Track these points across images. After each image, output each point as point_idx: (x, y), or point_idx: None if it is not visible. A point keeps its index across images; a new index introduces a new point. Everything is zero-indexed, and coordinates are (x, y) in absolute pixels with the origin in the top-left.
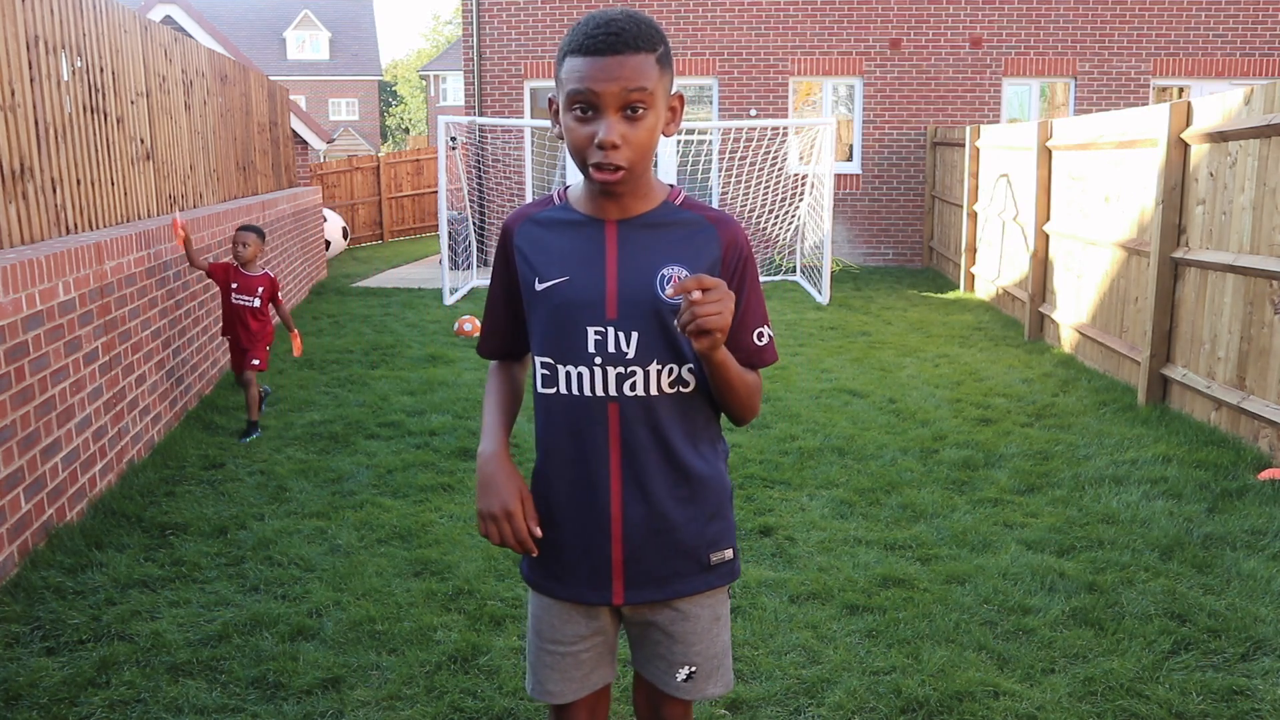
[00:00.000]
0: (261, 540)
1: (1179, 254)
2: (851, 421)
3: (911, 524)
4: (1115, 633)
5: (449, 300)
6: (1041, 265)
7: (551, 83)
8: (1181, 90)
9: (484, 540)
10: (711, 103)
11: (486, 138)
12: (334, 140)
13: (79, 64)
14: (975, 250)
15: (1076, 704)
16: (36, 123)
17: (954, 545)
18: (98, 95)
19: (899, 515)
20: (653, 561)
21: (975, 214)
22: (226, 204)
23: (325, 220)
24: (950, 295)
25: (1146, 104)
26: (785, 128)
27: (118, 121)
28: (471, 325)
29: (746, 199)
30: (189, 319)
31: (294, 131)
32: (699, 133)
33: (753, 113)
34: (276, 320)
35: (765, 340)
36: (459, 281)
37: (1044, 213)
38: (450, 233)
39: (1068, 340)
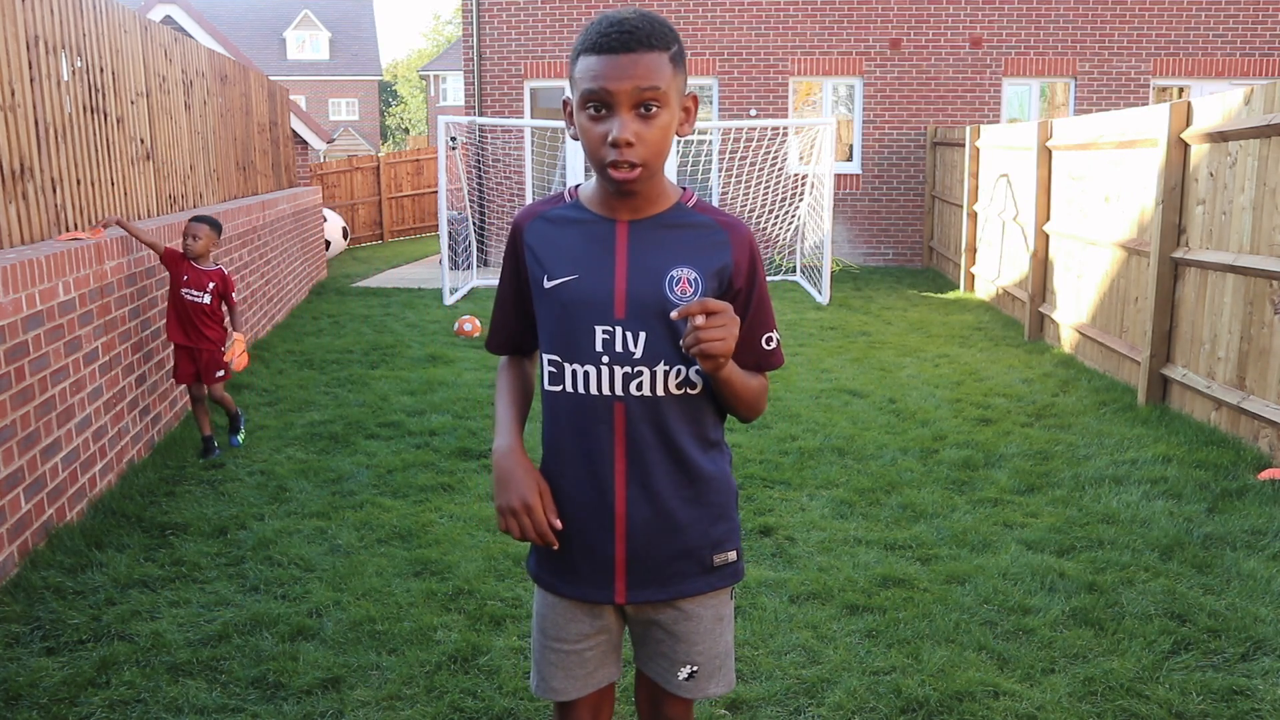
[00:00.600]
0: (261, 540)
1: (1179, 254)
2: (851, 421)
3: (911, 524)
4: (1115, 633)
5: (449, 300)
6: (1041, 265)
7: (551, 82)
8: (1181, 90)
9: (484, 540)
10: (711, 103)
11: (486, 138)
12: (334, 140)
13: (79, 64)
14: (975, 250)
15: (1076, 704)
16: (36, 123)
17: (954, 545)
18: (98, 95)
19: (899, 515)
20: (655, 561)
21: (975, 214)
22: (226, 204)
23: (325, 220)
24: (950, 295)
25: (1146, 104)
26: (785, 128)
27: (118, 121)
28: (471, 325)
29: (746, 199)
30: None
31: (294, 131)
32: (699, 133)
33: (753, 113)
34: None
35: (774, 345)
36: (459, 281)
37: (1044, 213)
38: (450, 233)
39: (1068, 340)
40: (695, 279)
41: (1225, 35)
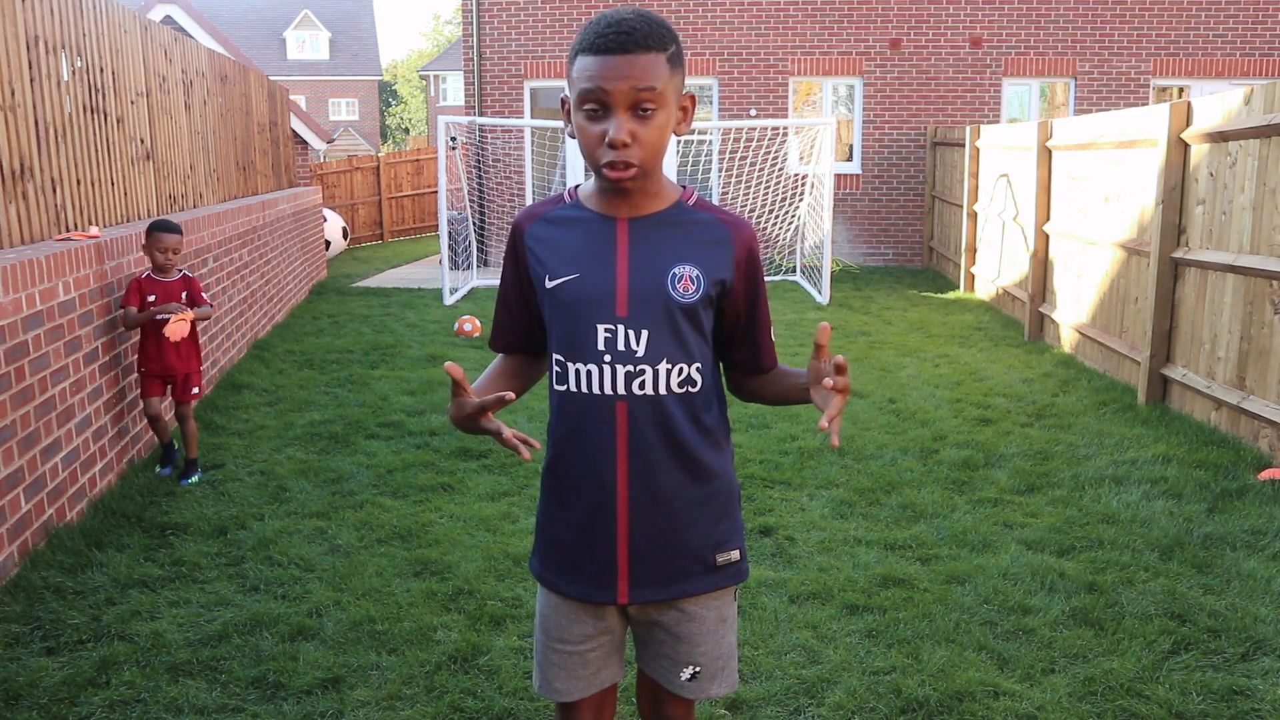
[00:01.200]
0: (261, 540)
1: (1179, 254)
2: (851, 421)
3: (911, 524)
4: (1115, 633)
5: (449, 300)
6: (1041, 265)
7: (551, 82)
8: (1181, 90)
9: (484, 540)
10: (711, 103)
11: (486, 138)
12: (334, 140)
13: (79, 64)
14: (975, 250)
15: (1076, 704)
16: (36, 123)
17: (954, 545)
18: (98, 95)
19: (899, 515)
20: (658, 561)
21: (975, 214)
22: (226, 204)
23: (325, 220)
24: (950, 295)
25: (1146, 104)
26: (785, 128)
27: (118, 121)
28: (471, 325)
29: (746, 199)
30: None
31: (294, 131)
32: (699, 133)
33: (753, 113)
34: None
35: (772, 341)
36: (459, 281)
37: (1044, 213)
38: (450, 233)
39: (1068, 340)
40: (697, 276)
41: (1225, 35)
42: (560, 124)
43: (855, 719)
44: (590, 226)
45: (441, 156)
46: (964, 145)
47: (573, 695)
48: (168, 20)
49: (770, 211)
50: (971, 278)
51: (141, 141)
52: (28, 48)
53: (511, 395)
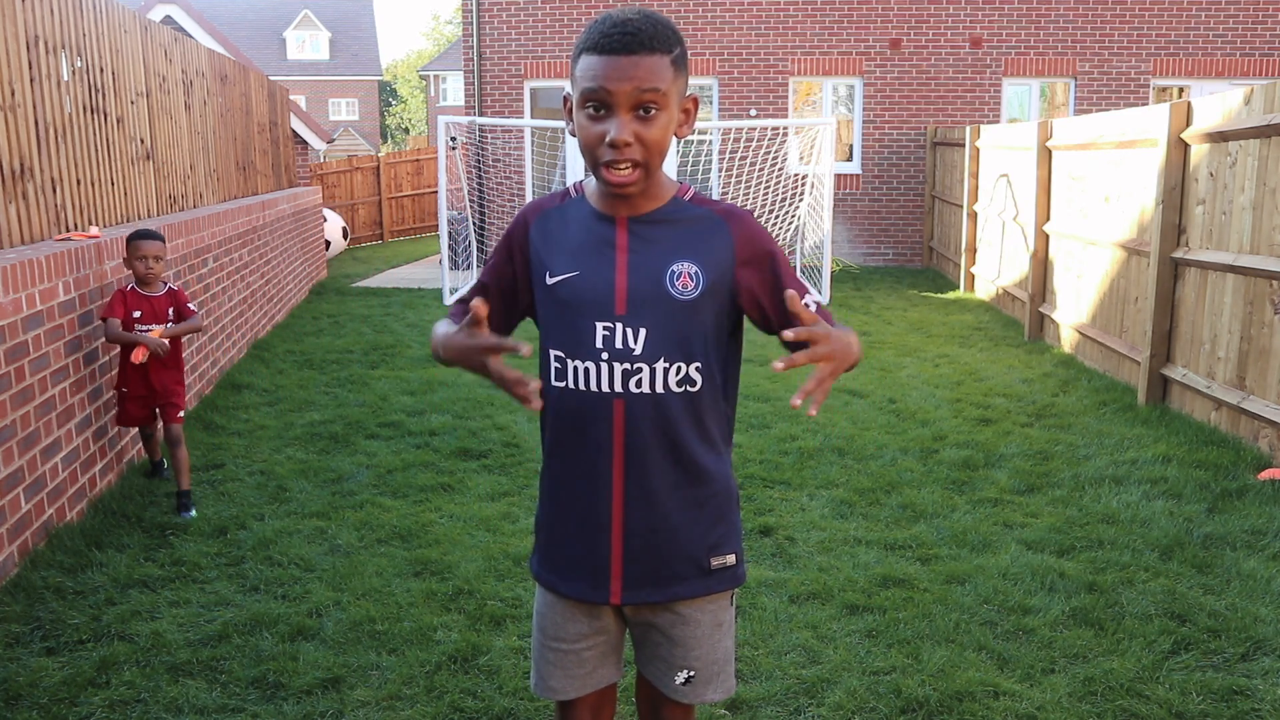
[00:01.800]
0: (261, 540)
1: (1179, 254)
2: (851, 421)
3: (911, 524)
4: (1115, 633)
5: (449, 300)
6: (1041, 265)
7: (551, 82)
8: (1181, 90)
9: (484, 540)
10: (711, 103)
11: (486, 138)
12: (334, 140)
13: (79, 64)
14: (975, 250)
15: (1076, 704)
16: (36, 123)
17: (954, 545)
18: (98, 95)
19: (899, 515)
20: (651, 563)
21: (975, 214)
22: (226, 204)
23: (325, 220)
24: (950, 295)
25: (1146, 104)
26: (785, 128)
27: (118, 121)
28: None
29: (746, 199)
30: None
31: (294, 131)
32: (699, 133)
33: (753, 113)
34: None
35: (817, 307)
36: (459, 281)
37: (1044, 213)
38: (450, 233)
39: (1068, 340)
40: (696, 272)
41: (1225, 35)
42: (560, 124)
43: (855, 719)
44: (590, 224)
45: (441, 156)
46: (964, 145)
47: (568, 694)
48: (168, 20)
49: (770, 211)
50: (971, 278)
51: (141, 141)
52: (28, 48)
53: (528, 349)
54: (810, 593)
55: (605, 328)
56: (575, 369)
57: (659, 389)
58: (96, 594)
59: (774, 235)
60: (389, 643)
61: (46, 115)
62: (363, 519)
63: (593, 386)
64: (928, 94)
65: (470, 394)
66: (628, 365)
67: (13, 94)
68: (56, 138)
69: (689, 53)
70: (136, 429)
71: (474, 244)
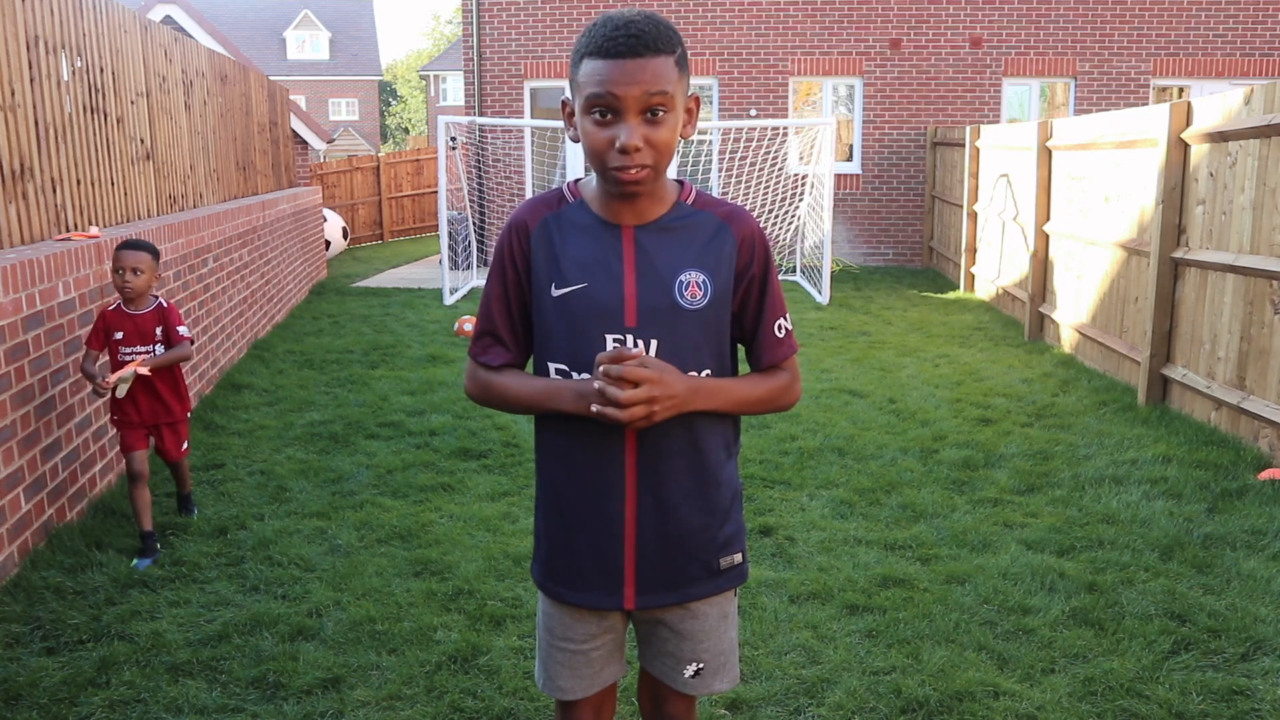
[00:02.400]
0: (261, 540)
1: (1179, 254)
2: (851, 421)
3: (911, 524)
4: (1115, 633)
5: (449, 300)
6: (1041, 265)
7: (551, 83)
8: (1181, 90)
9: (484, 540)
10: (711, 103)
11: (486, 138)
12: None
13: (79, 64)
14: (975, 250)
15: (1076, 704)
16: (36, 123)
17: (954, 545)
18: (98, 95)
19: (899, 515)
20: (665, 567)
21: (975, 214)
22: (226, 204)
23: (325, 220)
24: (950, 295)
25: (1146, 104)
26: (785, 128)
27: (118, 121)
28: (473, 325)
29: (746, 199)
30: (188, 319)
31: (294, 131)
32: (699, 132)
33: (753, 113)
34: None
35: (784, 333)
36: (459, 281)
37: (1044, 213)
38: (450, 233)
39: (1068, 340)
40: (704, 281)
41: (1225, 35)
42: (560, 124)
43: (855, 719)
44: (595, 234)
45: (441, 156)
46: (964, 145)
47: (577, 694)
48: (168, 20)
49: (770, 211)
50: (971, 278)
51: (141, 141)
52: (28, 48)
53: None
54: (810, 593)
55: (616, 340)
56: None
57: None
58: (96, 594)
59: (774, 235)
60: (389, 643)
61: (46, 115)
62: (363, 519)
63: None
64: (928, 94)
65: None
66: None
67: (13, 94)
68: (56, 138)
69: (689, 53)
70: (134, 485)
71: (474, 244)
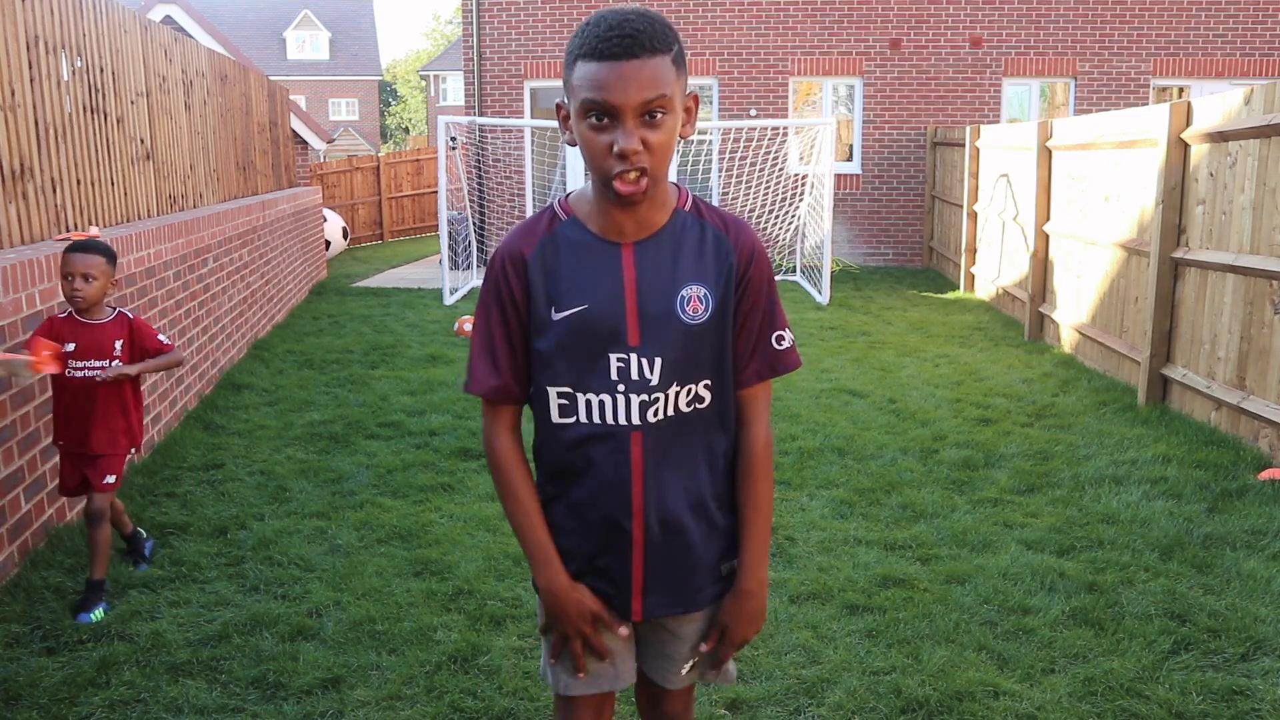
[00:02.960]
0: (261, 540)
1: (1179, 254)
2: (851, 421)
3: (911, 524)
4: (1115, 633)
5: (449, 300)
6: (1041, 265)
7: (551, 82)
8: (1181, 90)
9: (484, 540)
10: (711, 103)
11: (486, 138)
12: (334, 140)
13: (79, 64)
14: (975, 250)
15: (1076, 704)
16: (36, 123)
17: (954, 545)
18: (98, 95)
19: (899, 515)
20: (672, 580)
21: (975, 214)
22: (226, 204)
23: (325, 220)
24: (950, 295)
25: (1146, 104)
26: (785, 128)
27: (118, 121)
28: (470, 325)
29: (746, 199)
30: (188, 319)
31: (294, 131)
32: (699, 132)
33: (753, 113)
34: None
35: (786, 344)
36: (459, 281)
37: (1044, 213)
38: (450, 233)
39: (1068, 340)
40: (705, 295)
41: (1225, 35)
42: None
43: (855, 719)
44: (593, 253)
45: (441, 156)
46: (964, 145)
47: (577, 690)
48: (168, 20)
49: (770, 211)
50: (971, 278)
51: (141, 141)
52: (28, 48)
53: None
54: (810, 593)
55: (620, 359)
56: (588, 402)
57: (672, 412)
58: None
59: (774, 235)
60: (389, 643)
61: (46, 115)
62: (363, 519)
63: (608, 419)
64: (928, 94)
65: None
66: (645, 396)
67: (13, 94)
68: (56, 138)
69: (689, 52)
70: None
71: (474, 244)
